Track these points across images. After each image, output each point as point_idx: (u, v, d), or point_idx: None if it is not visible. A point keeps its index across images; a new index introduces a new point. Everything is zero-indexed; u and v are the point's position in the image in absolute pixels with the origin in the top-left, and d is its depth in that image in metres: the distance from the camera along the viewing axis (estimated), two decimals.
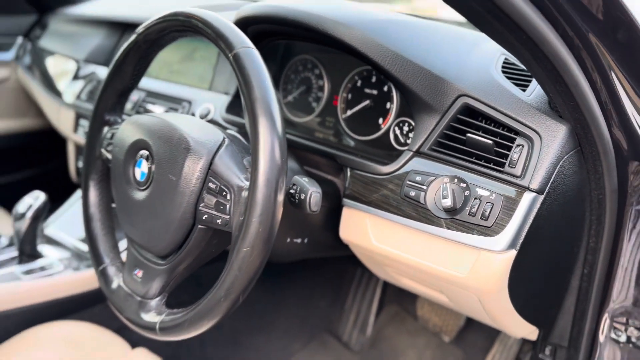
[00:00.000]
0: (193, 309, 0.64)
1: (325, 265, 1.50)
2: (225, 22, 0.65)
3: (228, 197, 0.63)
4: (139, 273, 0.74)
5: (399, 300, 1.44)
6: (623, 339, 0.84)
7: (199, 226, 0.66)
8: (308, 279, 1.50)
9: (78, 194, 1.31)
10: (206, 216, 0.64)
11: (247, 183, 0.62)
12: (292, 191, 0.69)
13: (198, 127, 0.69)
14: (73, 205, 1.28)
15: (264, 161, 0.57)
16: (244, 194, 0.61)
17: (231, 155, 0.66)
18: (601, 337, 0.83)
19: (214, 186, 0.64)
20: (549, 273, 0.77)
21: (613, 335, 0.84)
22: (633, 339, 0.83)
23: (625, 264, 0.79)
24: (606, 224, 0.74)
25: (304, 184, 0.68)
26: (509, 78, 0.74)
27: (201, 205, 0.65)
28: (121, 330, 1.02)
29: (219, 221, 0.63)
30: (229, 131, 0.75)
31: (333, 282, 1.51)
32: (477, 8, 0.52)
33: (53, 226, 1.21)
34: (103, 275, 0.80)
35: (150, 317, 0.70)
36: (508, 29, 0.55)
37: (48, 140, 1.82)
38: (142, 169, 0.70)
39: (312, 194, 0.66)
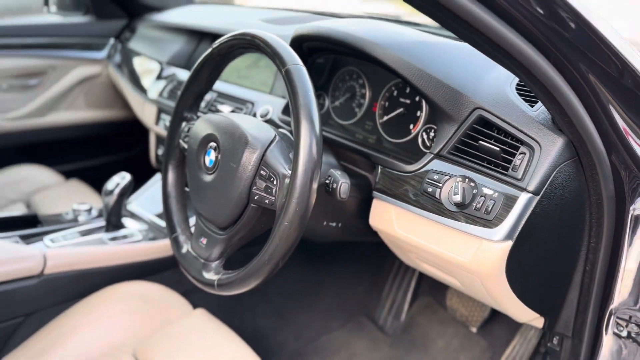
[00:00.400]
0: (243, 270, 0.81)
1: (365, 256, 1.64)
2: (281, 43, 0.81)
3: (274, 182, 0.79)
4: (204, 241, 0.92)
5: (432, 292, 1.56)
6: (624, 334, 0.93)
7: (251, 205, 0.83)
8: (349, 267, 1.65)
9: (157, 177, 1.52)
10: (257, 197, 0.81)
11: (290, 172, 0.77)
12: (327, 181, 0.84)
13: (255, 125, 0.86)
14: (152, 187, 1.49)
15: (303, 156, 0.73)
16: (287, 180, 0.77)
17: (279, 149, 0.82)
18: (604, 331, 0.92)
19: (264, 173, 0.80)
20: (550, 266, 0.88)
21: (615, 330, 0.93)
22: (633, 334, 0.92)
23: (626, 266, 0.88)
24: (605, 227, 0.84)
25: (337, 175, 0.83)
26: (521, 95, 0.85)
27: (254, 188, 0.81)
28: (186, 293, 1.21)
29: (266, 201, 0.80)
30: (281, 130, 0.91)
31: (372, 271, 1.65)
32: (469, 36, 0.65)
33: (135, 203, 1.43)
34: (175, 242, 0.99)
35: (210, 275, 0.88)
36: (502, 56, 0.67)
37: (132, 129, 2.07)
38: (210, 157, 0.88)
39: (342, 184, 0.82)
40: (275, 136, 0.84)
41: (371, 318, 1.58)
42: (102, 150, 2.12)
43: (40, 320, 1.09)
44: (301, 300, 1.56)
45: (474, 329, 1.42)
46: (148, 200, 1.44)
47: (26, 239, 1.16)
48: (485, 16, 0.61)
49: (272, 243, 0.76)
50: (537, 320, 0.97)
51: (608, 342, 0.92)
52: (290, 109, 0.77)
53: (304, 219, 0.74)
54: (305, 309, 1.55)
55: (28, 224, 1.25)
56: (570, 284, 0.91)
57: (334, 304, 1.58)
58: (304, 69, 0.78)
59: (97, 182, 1.55)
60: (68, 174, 1.87)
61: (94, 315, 1.09)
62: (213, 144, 0.88)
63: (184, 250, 0.97)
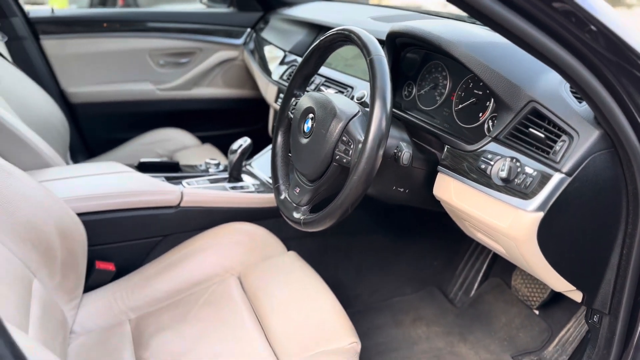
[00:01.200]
0: (322, 212, 1.05)
1: (443, 236, 1.80)
2: (370, 37, 1.03)
3: (352, 146, 1.02)
4: (297, 190, 1.18)
5: (502, 275, 1.68)
6: None
7: (334, 164, 1.06)
8: (427, 242, 1.82)
9: (269, 148, 1.83)
10: (338, 157, 1.04)
11: (363, 139, 0.99)
12: (395, 151, 1.05)
13: (345, 102, 1.09)
14: (267, 153, 1.80)
15: (374, 127, 0.94)
16: (360, 146, 0.99)
17: (360, 121, 1.05)
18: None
19: (345, 139, 1.03)
20: (586, 244, 0.99)
21: None
22: None
23: None
24: None
25: (403, 147, 1.04)
26: (573, 93, 0.98)
27: (336, 150, 1.05)
28: (283, 239, 1.48)
29: (344, 161, 1.03)
30: (366, 109, 1.13)
31: (449, 250, 1.80)
32: (514, 39, 0.81)
33: (252, 164, 1.74)
34: (277, 190, 1.26)
35: (299, 215, 1.13)
36: (544, 59, 0.82)
37: (258, 107, 2.41)
38: (308, 125, 1.13)
39: (405, 153, 1.02)
40: (358, 111, 1.06)
41: (442, 290, 1.74)
42: (231, 122, 2.50)
43: (174, 241, 1.43)
44: (379, 263, 1.77)
45: (536, 311, 1.53)
46: (263, 163, 1.75)
47: (169, 180, 1.51)
48: (528, 29, 0.77)
49: (343, 192, 0.99)
50: (575, 293, 1.09)
51: None
52: (369, 90, 0.98)
53: (370, 175, 0.96)
54: (383, 271, 1.76)
55: (171, 170, 1.61)
56: (608, 264, 1.02)
57: (408, 272, 1.77)
58: (384, 59, 0.99)
59: (225, 147, 1.88)
60: (203, 139, 2.27)
61: (212, 243, 1.40)
62: (311, 115, 1.12)
63: (282, 196, 1.23)
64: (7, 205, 1.04)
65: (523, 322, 1.53)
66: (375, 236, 1.80)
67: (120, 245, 1.38)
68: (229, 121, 2.50)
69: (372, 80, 0.97)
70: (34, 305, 1.02)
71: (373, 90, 0.96)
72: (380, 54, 0.99)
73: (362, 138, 1.01)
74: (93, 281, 1.31)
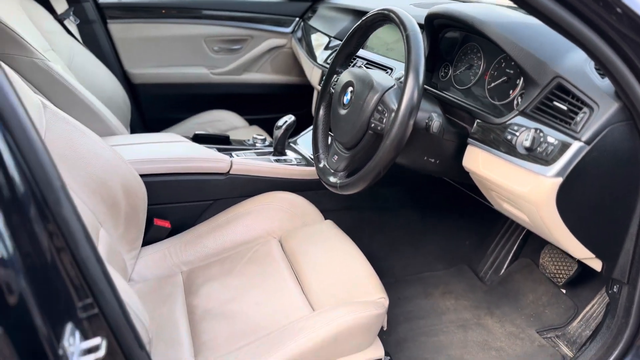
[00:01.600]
0: (356, 175, 1.15)
1: (476, 216, 1.86)
2: (407, 15, 1.12)
3: (386, 115, 1.11)
4: (335, 158, 1.29)
5: (532, 256, 1.73)
6: None
7: (369, 131, 1.16)
8: (460, 221, 1.90)
9: (311, 128, 1.94)
10: (373, 125, 1.14)
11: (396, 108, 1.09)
12: (427, 121, 1.14)
13: (382, 76, 1.19)
14: (308, 133, 1.92)
15: (406, 98, 1.04)
16: (393, 114, 1.09)
17: (394, 93, 1.14)
18: None
19: (380, 108, 1.13)
20: (604, 212, 1.05)
21: None
22: None
23: None
24: None
25: (434, 117, 1.13)
26: (596, 69, 1.04)
27: (372, 119, 1.15)
28: (322, 211, 1.59)
29: (379, 128, 1.13)
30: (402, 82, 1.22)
31: (481, 230, 1.87)
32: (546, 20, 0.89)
33: (296, 141, 1.87)
34: (317, 158, 1.37)
35: (335, 180, 1.24)
36: (568, 36, 0.89)
37: (303, 93, 2.54)
38: (347, 97, 1.23)
39: (435, 122, 1.11)
40: (394, 85, 1.16)
41: (472, 269, 1.81)
42: (277, 106, 2.63)
43: (223, 205, 1.57)
44: (412, 239, 1.86)
45: (563, 290, 1.58)
46: (305, 141, 1.87)
47: (220, 150, 1.65)
48: (561, 12, 0.85)
49: (376, 157, 1.09)
50: (594, 262, 1.14)
51: None
52: (405, 64, 1.08)
53: (401, 141, 1.05)
54: (415, 247, 1.84)
55: (222, 143, 1.75)
56: (627, 234, 1.07)
57: (440, 249, 1.85)
58: (420, 35, 1.08)
59: (270, 129, 1.99)
60: (250, 121, 2.41)
61: (257, 208, 1.53)
62: (350, 88, 1.23)
63: (321, 164, 1.35)
64: (80, 161, 1.19)
65: (550, 300, 1.59)
66: (410, 213, 1.89)
67: (175, 205, 1.52)
68: (275, 105, 2.64)
69: (407, 54, 1.07)
70: (100, 251, 1.18)
71: (408, 64, 1.06)
72: (416, 30, 1.08)
73: (395, 107, 1.10)
74: (151, 236, 1.46)
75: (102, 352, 0.61)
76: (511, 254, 1.77)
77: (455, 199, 1.83)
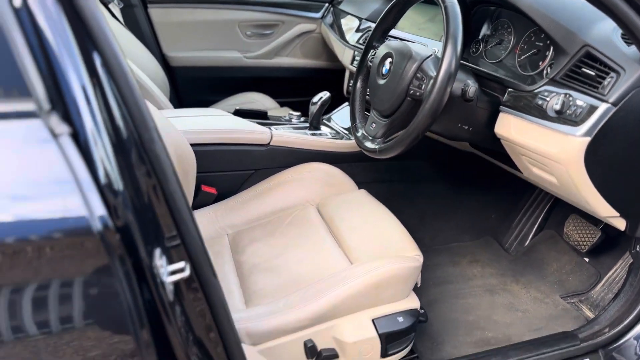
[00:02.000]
0: (393, 140, 1.24)
1: (503, 191, 1.94)
2: None
3: (424, 81, 1.20)
4: (373, 125, 1.38)
5: (557, 228, 1.80)
6: None
7: (407, 98, 1.25)
8: (488, 195, 1.98)
9: (343, 106, 2.03)
10: (412, 91, 1.23)
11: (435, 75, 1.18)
12: (463, 87, 1.23)
13: (419, 47, 1.28)
14: (342, 109, 2.01)
15: (445, 66, 1.12)
16: (432, 82, 1.18)
17: (433, 62, 1.23)
18: None
19: (419, 76, 1.22)
20: (630, 172, 1.13)
21: None
22: None
23: None
24: None
25: (470, 83, 1.21)
26: (623, 38, 1.11)
27: (410, 85, 1.24)
28: (356, 183, 1.68)
29: (417, 94, 1.22)
30: (437, 53, 1.31)
31: (507, 203, 1.95)
32: None
33: (330, 117, 1.96)
34: (355, 128, 1.46)
35: (373, 146, 1.33)
36: (601, 8, 0.97)
37: (331, 76, 2.63)
38: (386, 67, 1.32)
39: (471, 87, 1.20)
40: (432, 54, 1.25)
41: (498, 241, 1.89)
42: (307, 90, 2.72)
43: (264, 175, 1.67)
44: (440, 211, 1.94)
45: (586, 259, 1.65)
46: (338, 117, 1.96)
47: (261, 124, 1.75)
48: None
49: (415, 121, 1.18)
50: (618, 221, 1.22)
51: None
52: (443, 34, 1.16)
53: (439, 106, 1.14)
54: (443, 219, 1.93)
55: (261, 117, 1.85)
56: None
57: (468, 222, 1.93)
58: (457, 6, 1.16)
59: (299, 111, 2.10)
60: (281, 104, 2.51)
61: (295, 178, 1.63)
62: (389, 59, 1.32)
63: (359, 133, 1.44)
64: None
65: (573, 269, 1.66)
66: (439, 186, 1.97)
67: (221, 174, 1.63)
68: (305, 89, 2.73)
69: (446, 25, 1.15)
70: None
71: (446, 34, 1.14)
72: (454, 2, 1.17)
73: (434, 74, 1.19)
74: (199, 201, 1.57)
75: (187, 273, 0.71)
76: (535, 226, 1.84)
77: (483, 174, 1.91)
